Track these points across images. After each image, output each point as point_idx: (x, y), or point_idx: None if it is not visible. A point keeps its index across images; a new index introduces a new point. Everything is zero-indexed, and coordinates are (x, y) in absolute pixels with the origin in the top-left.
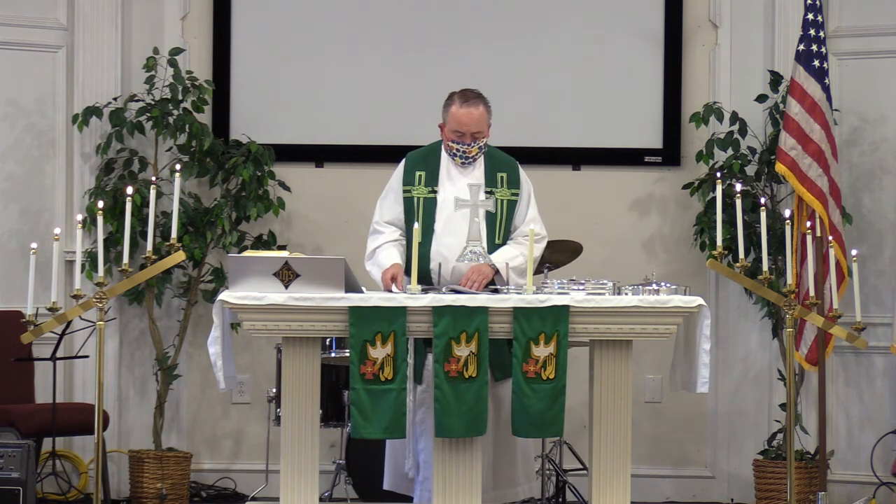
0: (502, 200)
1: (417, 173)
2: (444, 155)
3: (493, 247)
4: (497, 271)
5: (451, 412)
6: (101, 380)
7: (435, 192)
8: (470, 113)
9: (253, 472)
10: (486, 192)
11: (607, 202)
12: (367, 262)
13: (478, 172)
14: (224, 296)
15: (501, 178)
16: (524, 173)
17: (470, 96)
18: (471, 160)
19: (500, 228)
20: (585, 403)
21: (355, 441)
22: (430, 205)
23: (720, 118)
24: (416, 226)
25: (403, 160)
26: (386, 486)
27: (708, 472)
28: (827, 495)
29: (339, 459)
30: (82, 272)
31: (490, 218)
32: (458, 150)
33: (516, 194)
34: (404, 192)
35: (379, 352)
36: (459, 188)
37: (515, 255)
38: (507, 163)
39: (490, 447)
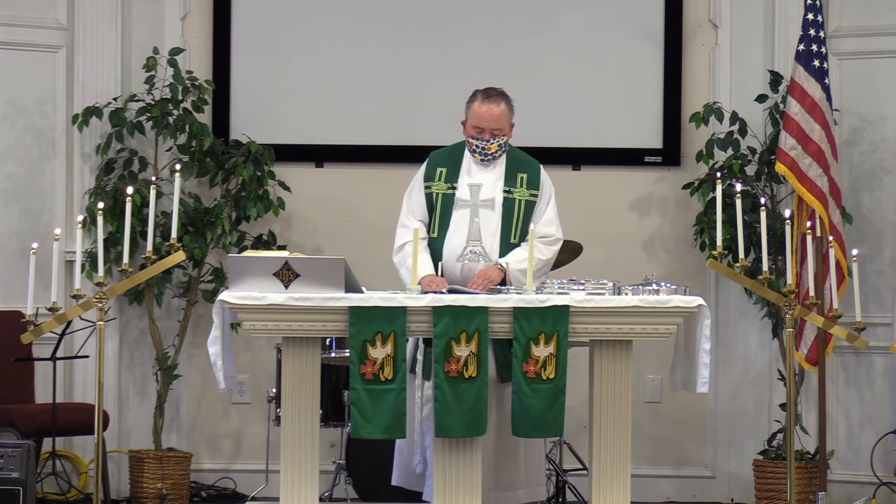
0: (520, 200)
1: (439, 170)
2: (466, 153)
3: (507, 246)
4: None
5: (451, 412)
6: (101, 380)
7: (454, 188)
8: (490, 109)
9: (253, 472)
10: (505, 192)
11: (607, 202)
12: (395, 257)
13: (498, 171)
14: (224, 296)
15: (521, 178)
16: (547, 176)
17: (492, 94)
18: (490, 157)
19: (515, 228)
20: (585, 403)
21: (355, 441)
22: (448, 201)
23: (720, 118)
24: (416, 225)
25: (428, 157)
26: (394, 482)
27: (708, 472)
28: (827, 495)
29: (339, 459)
30: (82, 272)
31: (506, 217)
32: (477, 146)
33: (535, 195)
34: (425, 187)
35: (379, 352)
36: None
37: (525, 256)
38: (529, 164)
39: (492, 448)
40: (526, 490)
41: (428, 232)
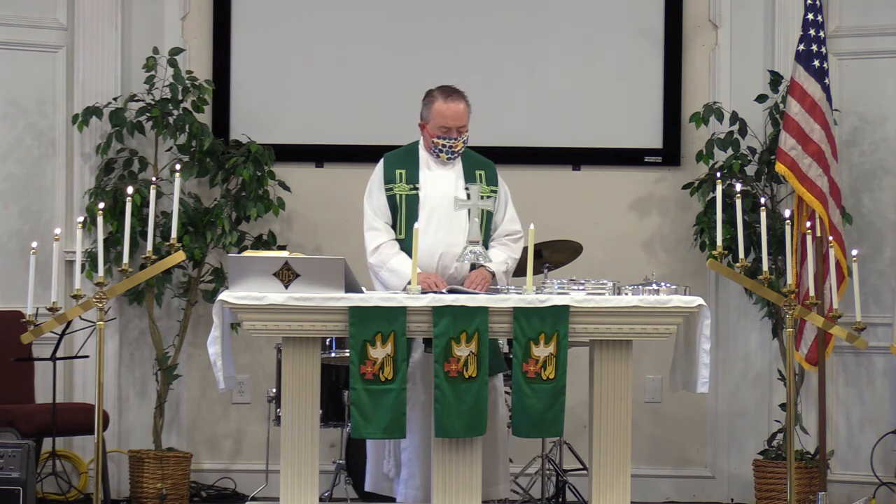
0: (482, 197)
1: (398, 171)
2: (422, 153)
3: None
4: (493, 275)
5: (451, 412)
6: (101, 380)
7: (416, 188)
8: (454, 108)
9: (253, 472)
10: (466, 189)
11: (607, 202)
12: (370, 258)
13: (457, 169)
14: (224, 296)
15: (480, 174)
16: (498, 173)
17: (451, 92)
18: (456, 155)
19: (480, 225)
20: (585, 403)
21: (355, 441)
22: (413, 202)
23: (720, 118)
24: (416, 226)
25: (382, 160)
26: (367, 488)
27: (708, 472)
28: (827, 495)
29: (339, 459)
30: (82, 272)
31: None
32: (444, 145)
33: (494, 191)
34: (386, 189)
35: (379, 352)
36: (440, 185)
37: (504, 258)
38: (485, 162)
39: None
40: (504, 485)
41: (395, 233)
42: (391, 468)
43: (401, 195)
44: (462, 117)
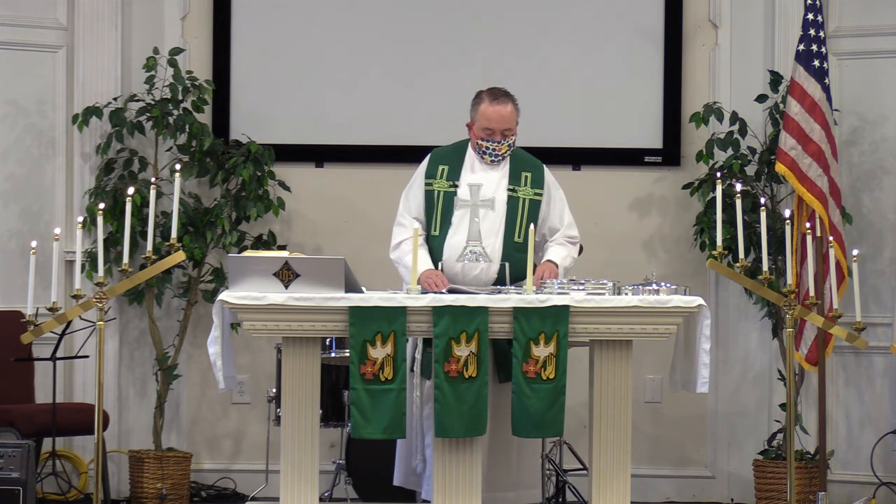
0: (525, 199)
1: (441, 167)
2: (469, 152)
3: (511, 245)
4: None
5: (451, 412)
6: (101, 380)
7: (456, 186)
8: (500, 111)
9: (253, 472)
10: (509, 190)
11: (607, 202)
12: (391, 253)
13: (503, 170)
14: (224, 296)
15: (525, 177)
16: (552, 176)
17: (499, 94)
18: (500, 158)
19: (519, 227)
20: (585, 403)
21: (355, 441)
22: (450, 199)
23: (720, 118)
24: (416, 226)
25: (429, 154)
26: (395, 482)
27: (708, 472)
28: (827, 495)
29: (339, 459)
30: (82, 272)
31: (510, 216)
32: (487, 147)
33: (539, 194)
34: (426, 184)
35: (379, 352)
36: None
37: (565, 254)
38: (533, 163)
39: (486, 448)
40: (519, 492)
41: (428, 230)
42: (419, 462)
43: (439, 191)
44: (507, 120)
